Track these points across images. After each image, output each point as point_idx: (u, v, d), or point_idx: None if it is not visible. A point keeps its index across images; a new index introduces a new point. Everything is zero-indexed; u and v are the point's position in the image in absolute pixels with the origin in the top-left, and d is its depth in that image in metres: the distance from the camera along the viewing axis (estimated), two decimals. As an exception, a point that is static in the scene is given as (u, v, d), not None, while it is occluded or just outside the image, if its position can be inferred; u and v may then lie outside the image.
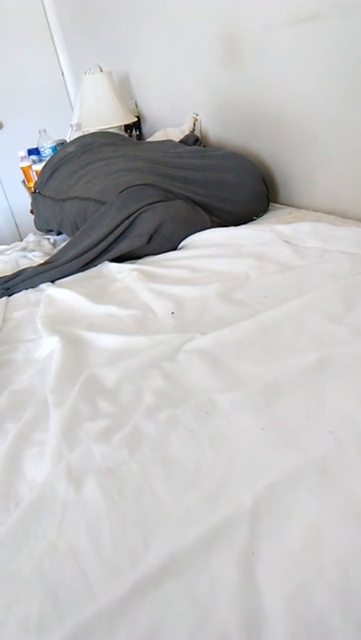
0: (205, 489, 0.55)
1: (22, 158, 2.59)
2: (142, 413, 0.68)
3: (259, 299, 0.94)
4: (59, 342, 0.90)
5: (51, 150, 2.46)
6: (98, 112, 2.34)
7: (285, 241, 1.13)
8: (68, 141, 2.39)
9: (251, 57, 1.49)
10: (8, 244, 1.92)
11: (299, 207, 1.49)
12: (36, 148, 2.60)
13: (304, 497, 0.52)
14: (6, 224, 3.63)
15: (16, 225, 3.65)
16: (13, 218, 3.65)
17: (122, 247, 1.31)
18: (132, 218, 1.29)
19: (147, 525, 0.52)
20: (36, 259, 1.51)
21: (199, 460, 0.60)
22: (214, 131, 1.93)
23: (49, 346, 0.91)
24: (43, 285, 1.25)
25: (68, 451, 0.63)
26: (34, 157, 2.59)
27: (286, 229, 1.17)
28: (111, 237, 1.30)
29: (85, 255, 1.31)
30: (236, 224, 1.42)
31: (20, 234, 3.60)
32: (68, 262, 1.30)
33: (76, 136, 2.21)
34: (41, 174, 1.74)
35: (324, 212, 1.36)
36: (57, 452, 0.63)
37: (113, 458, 0.61)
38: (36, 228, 1.88)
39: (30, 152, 2.65)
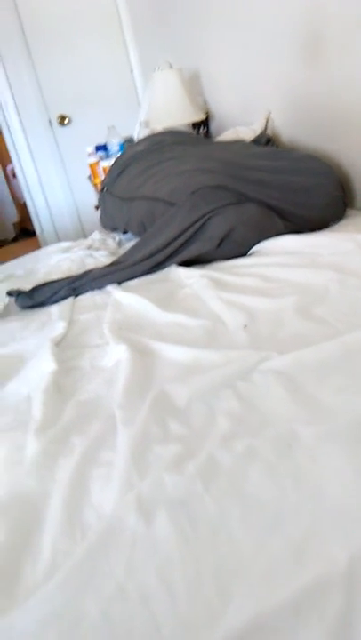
0: (290, 538, 0.50)
1: (90, 154, 2.60)
2: (217, 440, 0.63)
3: (341, 317, 0.86)
4: (126, 351, 0.86)
5: (118, 147, 2.46)
6: (166, 109, 2.30)
7: (369, 252, 1.04)
8: (135, 138, 2.38)
9: (337, 54, 1.40)
10: (72, 240, 1.93)
11: (379, 215, 1.39)
12: (104, 145, 2.60)
13: None
14: (70, 219, 3.68)
15: (80, 221, 3.69)
16: (78, 213, 3.69)
17: (191, 251, 1.26)
18: (202, 220, 1.25)
19: (224, 575, 0.47)
20: (102, 258, 1.50)
21: (281, 501, 0.54)
22: (287, 131, 1.85)
23: (116, 354, 0.88)
24: (109, 287, 1.23)
25: (138, 478, 0.59)
26: (101, 154, 2.60)
27: (370, 239, 1.08)
28: (180, 240, 1.26)
29: (153, 258, 1.27)
30: (310, 230, 1.34)
31: (83, 230, 3.64)
32: (135, 264, 1.27)
33: (143, 133, 2.19)
34: (109, 172, 1.72)
35: None
36: (126, 479, 0.59)
37: (186, 489, 0.57)
38: (102, 225, 1.87)
39: (98, 148, 2.66)
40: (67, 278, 1.28)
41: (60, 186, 3.60)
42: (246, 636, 0.42)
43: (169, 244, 1.26)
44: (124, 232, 1.68)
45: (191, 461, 0.60)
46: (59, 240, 3.39)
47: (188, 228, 1.25)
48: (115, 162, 1.73)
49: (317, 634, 0.41)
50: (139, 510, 0.55)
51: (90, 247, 1.65)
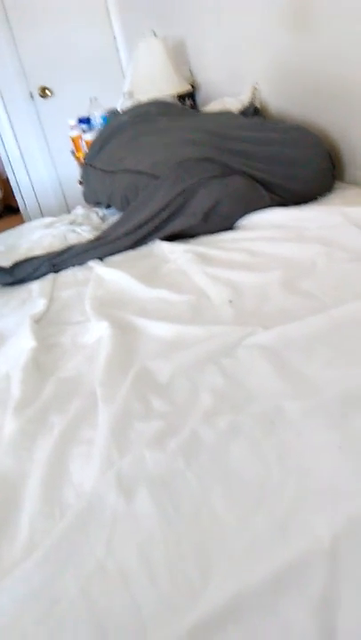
0: (273, 514, 0.49)
1: (72, 127, 2.52)
2: (199, 417, 0.62)
3: (328, 290, 0.84)
4: (108, 328, 0.84)
5: (101, 119, 2.38)
6: (151, 80, 2.24)
7: (357, 226, 1.02)
8: (119, 110, 2.30)
9: (325, 23, 1.35)
10: (56, 216, 1.88)
11: (368, 187, 1.37)
12: (87, 117, 2.52)
13: (393, 537, 0.44)
14: (54, 195, 3.60)
15: (64, 196, 3.61)
16: (62, 188, 3.60)
17: (175, 225, 1.23)
18: (186, 194, 1.21)
19: (206, 552, 0.46)
20: (85, 233, 1.46)
21: (264, 477, 0.53)
22: (275, 102, 1.80)
23: (98, 331, 0.85)
24: (91, 263, 1.20)
25: (118, 455, 0.58)
26: (84, 127, 2.52)
27: (358, 213, 1.06)
28: (164, 214, 1.23)
29: (137, 232, 1.24)
30: (298, 203, 1.31)
31: (67, 205, 3.56)
32: (118, 239, 1.24)
33: (127, 104, 2.12)
34: (92, 145, 1.67)
35: None
36: (106, 456, 0.58)
37: (167, 467, 0.55)
38: (85, 200, 1.82)
39: (80, 121, 2.57)
40: (47, 254, 1.24)
41: (42, 161, 3.51)
42: (226, 615, 0.41)
43: (152, 218, 1.23)
44: (108, 206, 1.64)
45: (173, 438, 0.59)
46: (43, 216, 3.32)
47: (172, 201, 1.21)
48: (98, 134, 1.68)
49: (298, 610, 0.41)
50: (119, 488, 0.53)
51: (73, 222, 1.60)
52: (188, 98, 2.54)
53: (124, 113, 1.65)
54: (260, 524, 0.48)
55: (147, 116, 1.57)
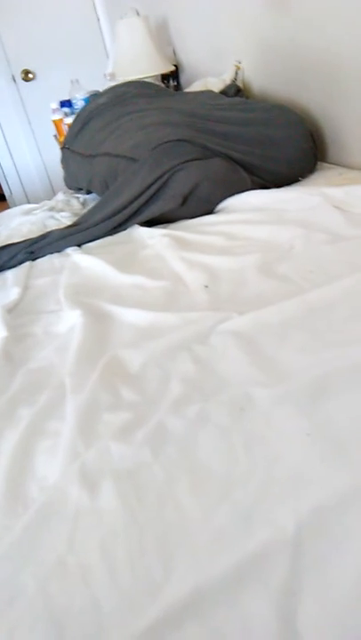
0: (239, 505, 0.47)
1: (54, 111, 2.47)
2: (168, 406, 0.60)
3: (305, 274, 0.83)
4: (81, 317, 0.82)
5: (83, 102, 2.33)
6: (133, 60, 2.18)
7: (336, 206, 1.00)
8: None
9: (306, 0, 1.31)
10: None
11: (351, 167, 1.34)
12: (68, 100, 2.47)
13: (357, 526, 0.43)
14: (40, 181, 3.54)
15: (50, 181, 3.56)
16: (47, 174, 3.55)
17: (154, 209, 1.20)
18: (165, 177, 1.18)
19: (169, 546, 0.45)
20: (65, 220, 1.43)
21: (232, 467, 0.51)
22: (258, 81, 1.76)
23: (70, 320, 0.83)
24: (69, 250, 1.17)
25: (83, 447, 0.56)
26: (66, 110, 2.47)
27: (337, 193, 1.04)
28: (142, 198, 1.20)
29: (115, 218, 1.21)
30: (280, 185, 1.29)
31: (53, 191, 3.50)
32: (96, 225, 1.21)
33: (109, 86, 2.07)
34: (71, 128, 1.63)
35: (380, 174, 1.22)
36: (71, 449, 0.56)
37: (133, 459, 0.54)
38: (66, 185, 1.79)
39: (62, 104, 2.52)
40: (24, 241, 1.21)
41: (27, 145, 3.45)
42: (187, 609, 0.40)
43: (131, 203, 1.20)
44: (88, 192, 1.61)
45: (140, 429, 0.57)
46: (29, 202, 3.27)
47: (151, 185, 1.19)
48: (76, 116, 1.64)
49: (260, 603, 0.40)
50: (82, 481, 0.52)
51: (53, 209, 1.57)
52: (173, 79, 2.49)
53: (102, 94, 1.61)
54: (224, 516, 0.47)
55: (125, 97, 1.53)
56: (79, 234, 1.19)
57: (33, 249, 1.18)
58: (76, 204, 1.61)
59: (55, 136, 2.56)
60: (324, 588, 0.40)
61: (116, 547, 0.46)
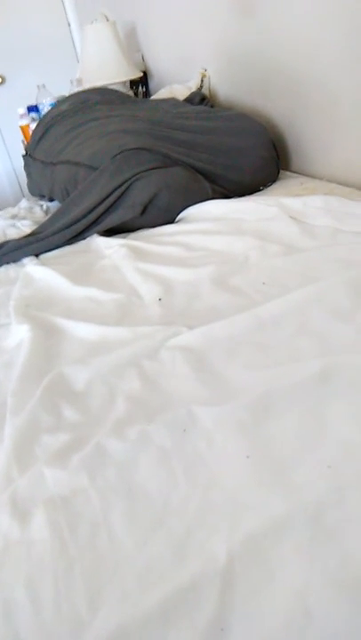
0: (173, 533, 0.46)
1: (21, 116, 2.43)
2: (110, 427, 0.58)
3: (258, 286, 0.82)
4: (29, 331, 0.79)
5: (50, 107, 2.30)
6: (100, 66, 2.16)
7: (292, 217, 1.00)
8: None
9: (270, 9, 1.31)
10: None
11: (312, 177, 1.35)
12: (36, 106, 2.43)
13: (291, 555, 0.42)
14: (10, 187, 3.49)
15: (20, 188, 3.50)
16: (18, 180, 3.49)
17: (113, 218, 1.18)
18: (125, 186, 1.16)
19: (98, 580, 0.43)
20: (25, 228, 1.40)
21: (170, 492, 0.50)
22: (224, 89, 1.76)
23: (18, 335, 0.81)
24: (25, 260, 1.14)
25: (17, 473, 0.54)
26: (33, 115, 2.43)
27: (294, 203, 1.03)
28: (102, 207, 1.18)
29: (73, 227, 1.19)
30: (242, 194, 1.28)
31: (25, 197, 3.46)
32: (54, 234, 1.19)
33: (73, 93, 2.05)
34: (32, 134, 1.60)
35: (340, 184, 1.22)
36: (6, 474, 0.54)
37: (69, 485, 0.52)
38: (30, 192, 1.76)
39: (30, 109, 2.48)
40: (-20, 251, 1.18)
41: (-4, 151, 3.39)
42: (110, 650, 0.38)
43: (90, 211, 1.18)
44: (51, 199, 1.58)
45: (79, 452, 0.55)
46: (-1, 209, 3.21)
47: (110, 194, 1.17)
48: (38, 123, 1.61)
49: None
50: (14, 510, 0.50)
51: (15, 216, 1.54)
52: (142, 85, 2.48)
53: (65, 100, 1.58)
54: (157, 546, 0.45)
55: (87, 104, 1.51)
56: (37, 243, 1.17)
57: (-12, 259, 1.15)
58: (38, 212, 1.58)
59: (23, 142, 2.52)
60: (254, 622, 0.38)
61: (42, 582, 0.44)
